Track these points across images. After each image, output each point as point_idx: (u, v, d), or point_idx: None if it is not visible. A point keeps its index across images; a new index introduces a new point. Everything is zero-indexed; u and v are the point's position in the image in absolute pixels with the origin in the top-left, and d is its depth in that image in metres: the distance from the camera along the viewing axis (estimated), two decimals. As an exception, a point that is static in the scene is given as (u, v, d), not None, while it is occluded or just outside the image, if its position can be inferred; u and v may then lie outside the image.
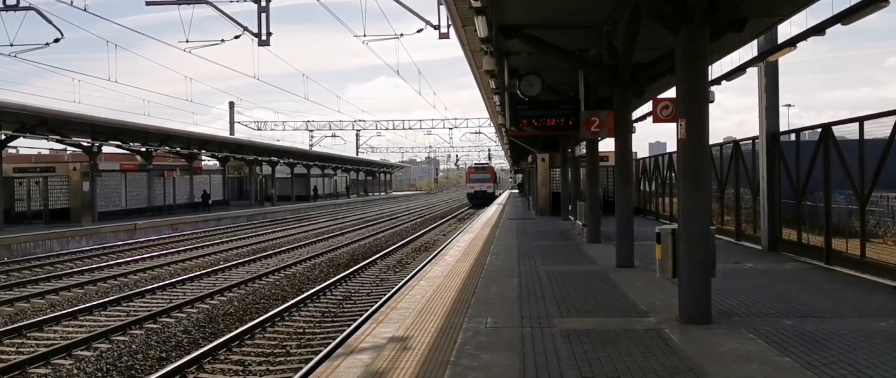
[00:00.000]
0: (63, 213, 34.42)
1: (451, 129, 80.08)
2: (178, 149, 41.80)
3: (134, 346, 10.96)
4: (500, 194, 78.44)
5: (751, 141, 15.71)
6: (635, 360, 6.56)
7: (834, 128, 12.13)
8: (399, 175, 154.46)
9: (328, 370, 6.62)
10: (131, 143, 37.59)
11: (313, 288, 15.88)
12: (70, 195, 34.99)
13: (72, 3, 20.28)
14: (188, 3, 21.60)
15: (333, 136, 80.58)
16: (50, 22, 22.38)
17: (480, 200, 61.97)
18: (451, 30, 16.19)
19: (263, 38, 22.10)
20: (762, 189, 14.85)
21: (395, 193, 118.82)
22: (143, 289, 16.09)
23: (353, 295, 15.60)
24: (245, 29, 22.48)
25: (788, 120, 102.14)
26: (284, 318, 12.95)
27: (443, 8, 18.07)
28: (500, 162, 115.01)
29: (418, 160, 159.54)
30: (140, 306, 14.57)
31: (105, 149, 36.41)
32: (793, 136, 14.07)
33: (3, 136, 29.42)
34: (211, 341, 11.02)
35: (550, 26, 13.21)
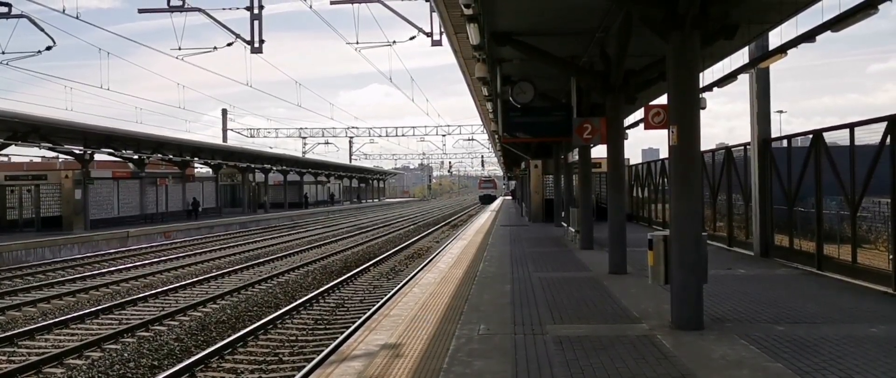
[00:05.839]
0: (55, 221, 34.28)
1: (444, 135, 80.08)
2: (171, 156, 41.68)
3: (126, 355, 10.91)
4: (498, 196, 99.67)
5: (742, 147, 15.77)
6: (628, 367, 6.57)
7: (825, 134, 12.20)
8: (392, 182, 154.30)
9: (320, 377, 6.62)
10: (123, 151, 37.44)
11: (306, 295, 15.85)
12: (62, 203, 34.86)
13: (64, 10, 20.25)
14: (180, 11, 21.57)
15: (326, 143, 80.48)
16: (42, 29, 22.31)
17: (487, 200, 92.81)
18: (444, 37, 16.21)
19: (256, 45, 22.12)
20: (754, 195, 14.92)
21: (388, 200, 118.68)
22: (135, 297, 16.02)
23: (346, 302, 15.57)
24: (238, 36, 22.48)
25: (780, 126, 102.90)
26: (277, 325, 12.92)
27: (435, 15, 18.11)
28: (493, 168, 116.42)
29: (411, 167, 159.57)
30: (132, 314, 14.51)
31: (97, 156, 36.24)
32: (784, 143, 14.14)
33: (-5, 144, 29.30)
34: (203, 349, 10.98)
35: (543, 33, 13.25)
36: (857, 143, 11.04)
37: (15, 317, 14.60)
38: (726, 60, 15.22)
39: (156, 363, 10.57)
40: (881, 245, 10.94)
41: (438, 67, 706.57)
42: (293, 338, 12.08)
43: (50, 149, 33.38)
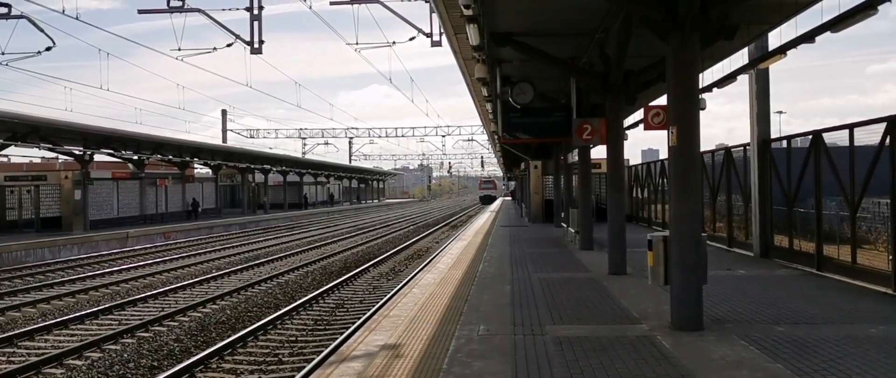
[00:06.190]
0: (54, 222, 34.26)
1: (443, 136, 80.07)
2: (170, 157, 41.68)
3: (126, 355, 10.91)
4: (498, 197, 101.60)
5: (742, 148, 15.78)
6: (627, 368, 6.57)
7: (824, 135, 12.21)
8: (392, 183, 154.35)
9: (320, 378, 6.62)
10: (123, 152, 37.46)
11: (306, 296, 15.84)
12: (62, 203, 34.85)
13: (63, 11, 20.26)
14: (180, 12, 21.57)
15: (326, 143, 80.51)
16: (42, 30, 22.33)
17: (487, 200, 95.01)
18: (444, 38, 16.22)
19: (256, 46, 22.14)
20: (754, 195, 14.92)
21: (388, 201, 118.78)
22: (134, 297, 16.02)
23: (346, 303, 15.57)
24: (237, 37, 22.50)
25: (780, 127, 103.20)
26: (277, 326, 12.92)
27: (435, 16, 18.12)
28: (493, 169, 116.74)
29: (411, 168, 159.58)
30: (132, 315, 14.50)
31: (97, 157, 36.24)
32: (784, 143, 14.15)
33: (-5, 145, 29.30)
34: (203, 350, 10.98)
35: (542, 34, 13.25)
36: (856, 143, 11.04)
37: (15, 317, 14.60)
38: (726, 61, 15.24)
39: (155, 364, 10.57)
40: (881, 246, 10.93)
41: (438, 68, 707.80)
42: (293, 338, 12.08)
43: (49, 149, 33.37)
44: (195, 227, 39.26)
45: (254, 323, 13.02)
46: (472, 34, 11.30)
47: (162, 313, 13.94)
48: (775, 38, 13.55)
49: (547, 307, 9.81)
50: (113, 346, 11.55)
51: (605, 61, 13.50)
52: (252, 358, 10.72)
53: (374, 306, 14.20)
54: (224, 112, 67.79)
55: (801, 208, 13.35)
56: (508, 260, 16.06)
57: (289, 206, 63.91)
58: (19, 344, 11.98)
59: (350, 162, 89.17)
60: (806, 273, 12.48)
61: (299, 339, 12.07)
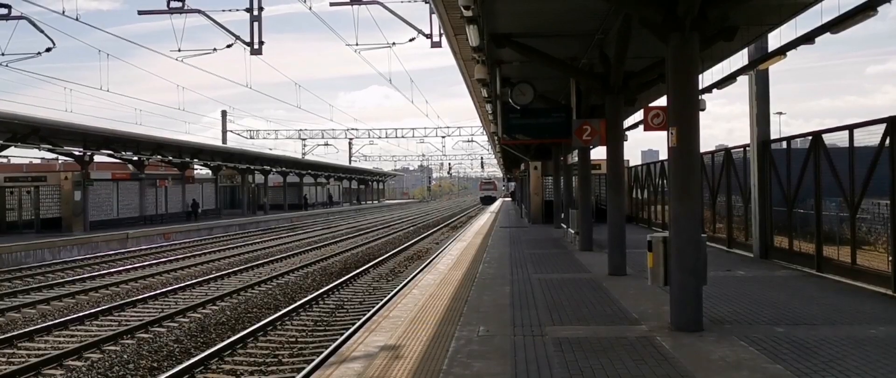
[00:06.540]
0: (54, 223, 34.27)
1: (443, 137, 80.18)
2: (170, 158, 41.70)
3: (125, 356, 10.91)
4: (498, 197, 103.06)
5: (742, 148, 15.78)
6: (627, 369, 6.58)
7: (824, 136, 12.21)
8: (392, 183, 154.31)
9: (320, 379, 6.61)
10: (123, 152, 37.46)
11: (306, 297, 15.85)
12: (61, 204, 34.85)
13: (63, 12, 20.27)
14: (180, 13, 21.57)
15: (326, 144, 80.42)
16: (41, 31, 22.33)
17: (487, 201, 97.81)
18: (443, 39, 16.23)
19: (256, 46, 22.13)
20: (753, 196, 14.92)
21: (387, 202, 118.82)
22: (134, 298, 16.02)
23: (346, 304, 15.57)
24: (237, 38, 22.50)
25: (779, 128, 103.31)
26: (277, 327, 12.92)
27: (435, 17, 18.13)
28: (493, 170, 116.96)
29: (411, 168, 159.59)
30: (131, 316, 14.50)
31: (97, 158, 36.25)
32: (784, 144, 14.15)
33: (-6, 146, 29.29)
34: (203, 351, 10.98)
35: (542, 35, 13.26)
36: (856, 144, 11.04)
37: (14, 318, 14.60)
38: (726, 62, 15.26)
39: (155, 364, 10.57)
40: (880, 247, 10.94)
41: (438, 69, 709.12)
42: (293, 339, 12.08)
43: (49, 150, 33.38)
44: (195, 228, 39.27)
45: (254, 324, 13.02)
46: (472, 35, 11.31)
47: (162, 314, 13.94)
48: (775, 39, 13.59)
49: (547, 308, 9.81)
50: (113, 347, 11.55)
51: (605, 62, 13.50)
52: (252, 359, 10.72)
53: (374, 307, 14.20)
54: (224, 113, 67.69)
55: (800, 209, 13.35)
56: (508, 261, 16.06)
57: (289, 207, 63.91)
58: (19, 345, 11.98)
59: (350, 163, 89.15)
60: (806, 274, 12.48)
61: (299, 339, 12.07)
